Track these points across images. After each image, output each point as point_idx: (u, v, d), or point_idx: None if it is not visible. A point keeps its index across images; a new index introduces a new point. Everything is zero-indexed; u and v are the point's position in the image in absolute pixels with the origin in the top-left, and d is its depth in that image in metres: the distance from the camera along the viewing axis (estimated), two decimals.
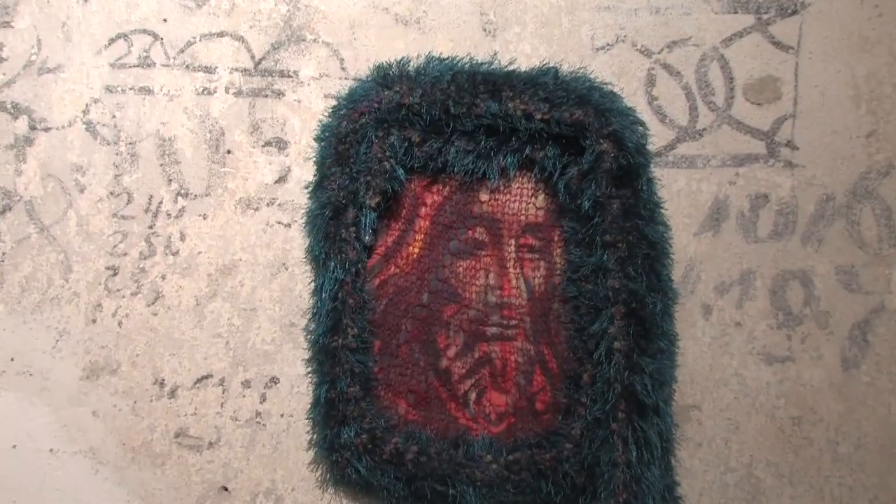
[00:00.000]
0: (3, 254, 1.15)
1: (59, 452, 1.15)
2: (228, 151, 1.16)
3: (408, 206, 1.17)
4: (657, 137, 1.15)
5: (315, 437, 1.12)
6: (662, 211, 1.11)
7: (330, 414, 1.11)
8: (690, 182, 1.15)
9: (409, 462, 1.10)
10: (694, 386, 1.13)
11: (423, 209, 1.17)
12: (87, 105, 1.16)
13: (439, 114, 1.13)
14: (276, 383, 1.15)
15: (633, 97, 1.15)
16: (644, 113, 1.14)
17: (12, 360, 1.15)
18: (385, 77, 1.14)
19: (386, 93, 1.14)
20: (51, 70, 1.16)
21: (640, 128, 1.12)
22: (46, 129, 1.16)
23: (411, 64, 1.14)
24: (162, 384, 1.14)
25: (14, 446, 1.14)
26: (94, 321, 1.15)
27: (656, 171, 1.14)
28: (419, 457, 1.10)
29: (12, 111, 1.16)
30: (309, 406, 1.13)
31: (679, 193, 1.15)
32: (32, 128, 1.16)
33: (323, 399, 1.11)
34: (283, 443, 1.14)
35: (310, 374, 1.14)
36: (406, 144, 1.14)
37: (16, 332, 1.15)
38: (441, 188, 1.17)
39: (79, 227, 1.15)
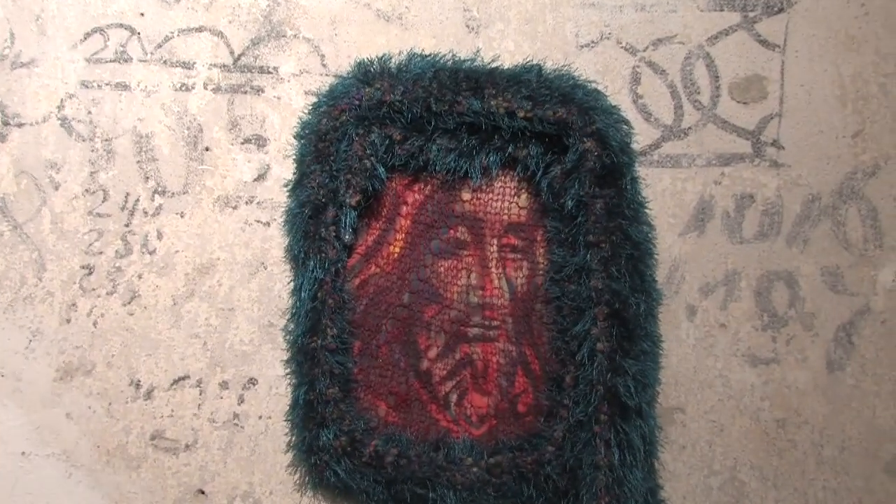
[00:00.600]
0: None
1: (31, 455, 1.12)
2: (207, 148, 1.14)
3: (389, 205, 1.15)
4: (642, 136, 1.14)
5: (294, 439, 1.10)
6: (647, 211, 1.10)
7: (309, 416, 1.09)
8: (675, 181, 1.14)
9: (389, 465, 1.08)
10: (678, 388, 1.12)
11: (405, 208, 1.15)
12: (61, 100, 1.14)
13: (421, 111, 1.11)
14: (254, 384, 1.13)
15: (618, 95, 1.14)
16: (629, 111, 1.13)
17: None
18: (366, 74, 1.13)
19: (367, 90, 1.12)
20: (24, 64, 1.14)
21: (625, 126, 1.10)
22: (20, 125, 1.14)
23: (393, 61, 1.13)
24: (138, 385, 1.12)
25: None
26: (68, 321, 1.13)
27: (641, 171, 1.12)
28: (399, 459, 1.09)
29: None
30: (287, 408, 1.11)
31: (664, 193, 1.14)
32: (5, 123, 1.13)
33: (302, 401, 1.10)
34: (261, 445, 1.12)
35: (288, 376, 1.12)
36: (387, 142, 1.13)
37: None
38: (422, 187, 1.15)
39: (53, 225, 1.13)
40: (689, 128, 1.14)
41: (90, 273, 1.13)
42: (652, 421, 1.08)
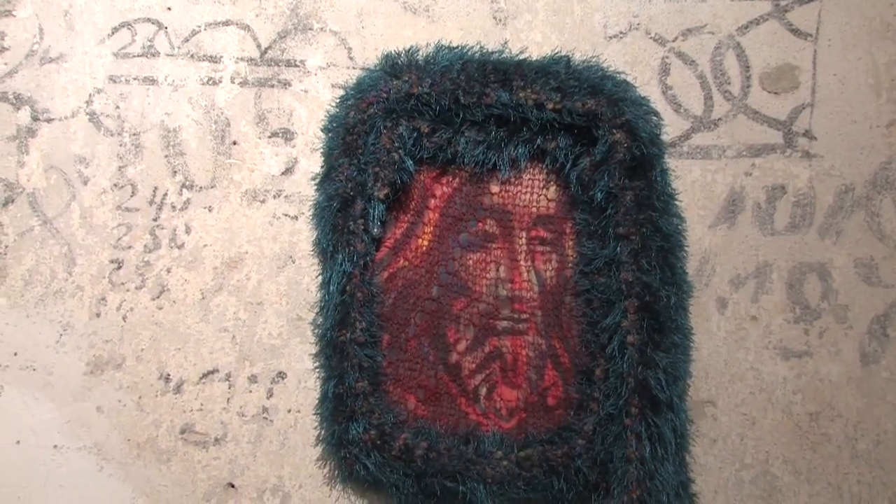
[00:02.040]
0: (6, 247, 1.13)
1: (63, 448, 1.13)
2: (234, 142, 1.14)
3: (417, 198, 1.14)
4: (671, 127, 1.13)
5: (323, 433, 1.10)
6: (677, 203, 1.09)
7: (338, 409, 1.09)
8: (705, 173, 1.13)
9: (419, 458, 1.08)
10: (709, 381, 1.11)
11: (433, 201, 1.14)
12: (90, 95, 1.14)
13: (449, 104, 1.10)
14: (283, 378, 1.13)
15: (647, 86, 1.13)
16: (658, 102, 1.12)
17: (16, 354, 1.13)
18: (394, 66, 1.12)
19: (395, 82, 1.12)
20: (53, 60, 1.14)
21: (654, 118, 1.09)
22: (49, 120, 1.14)
23: (420, 53, 1.12)
24: (167, 379, 1.13)
25: (18, 442, 1.13)
26: (98, 315, 1.13)
27: (670, 162, 1.11)
28: (429, 453, 1.08)
29: (14, 102, 1.14)
30: (317, 401, 1.11)
31: (694, 185, 1.13)
32: (35, 118, 1.14)
33: (331, 394, 1.09)
34: (290, 439, 1.12)
35: (317, 369, 1.12)
36: (415, 135, 1.12)
37: (19, 326, 1.13)
38: (451, 179, 1.15)
39: (82, 220, 1.13)
40: (720, 119, 1.13)
41: (119, 267, 1.13)
42: (683, 414, 1.07)
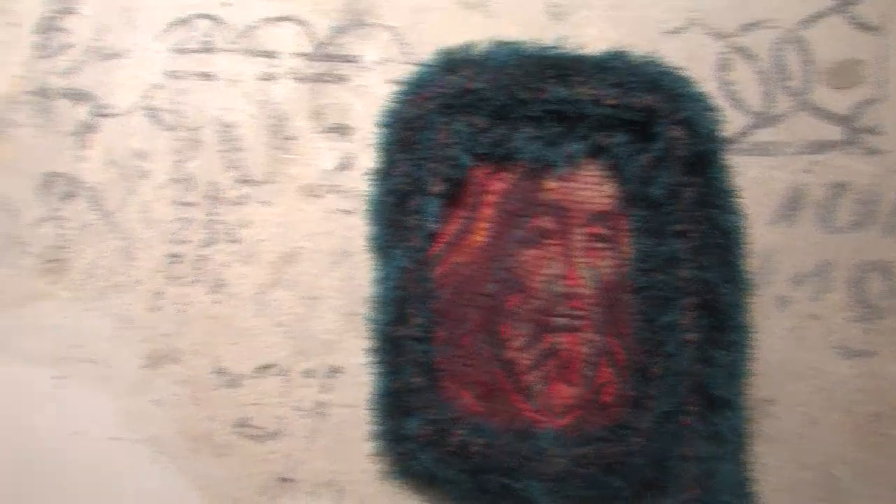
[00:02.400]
0: (68, 240, 1.14)
1: (120, 440, 1.14)
2: (290, 138, 1.15)
3: (472, 194, 1.14)
4: (731, 124, 1.11)
5: (378, 428, 1.10)
6: (736, 200, 1.07)
7: (394, 405, 1.09)
8: (766, 170, 1.11)
9: (475, 454, 1.08)
10: (768, 379, 1.10)
11: (488, 196, 1.14)
12: (148, 91, 1.15)
13: (505, 99, 1.10)
14: (338, 373, 1.13)
15: (706, 82, 1.12)
16: (717, 98, 1.11)
17: (74, 346, 1.14)
18: (450, 62, 1.12)
19: (451, 78, 1.11)
20: (113, 56, 1.15)
21: (714, 114, 1.08)
22: (109, 116, 1.15)
23: (477, 48, 1.12)
24: (223, 373, 1.13)
25: (75, 433, 1.14)
26: (155, 309, 1.14)
27: (730, 159, 1.10)
28: (485, 449, 1.08)
29: (75, 97, 1.15)
30: (372, 397, 1.11)
31: (754, 181, 1.11)
32: (95, 114, 1.15)
33: (386, 390, 1.09)
34: (345, 433, 1.12)
35: (373, 364, 1.11)
36: (471, 130, 1.12)
37: (78, 318, 1.14)
38: (507, 175, 1.14)
39: (141, 214, 1.14)
40: (781, 115, 1.11)
41: (177, 262, 1.14)
42: (742, 413, 1.06)
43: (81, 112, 1.15)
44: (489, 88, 1.10)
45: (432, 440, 1.08)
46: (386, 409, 1.10)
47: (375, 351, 1.11)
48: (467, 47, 1.12)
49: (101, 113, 1.15)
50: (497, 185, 1.14)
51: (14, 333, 1.14)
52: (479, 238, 1.14)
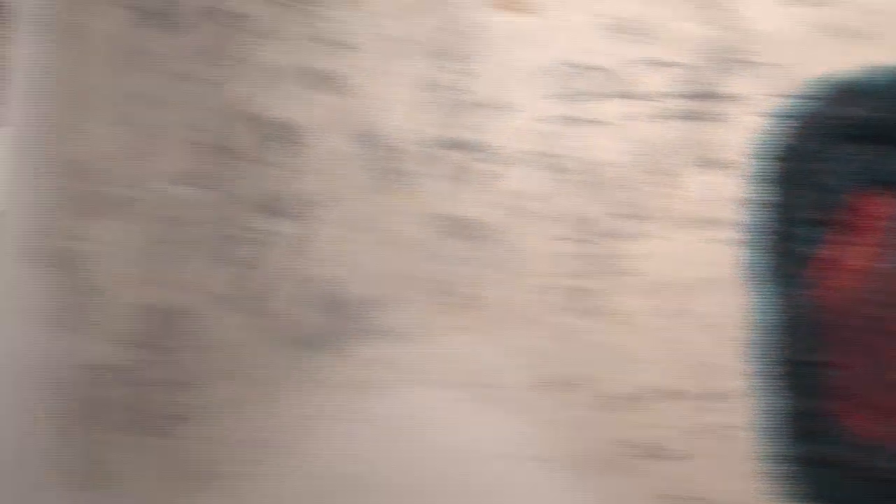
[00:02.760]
0: (471, 278, 1.25)
1: (515, 459, 1.23)
2: (672, 174, 1.21)
3: (857, 220, 1.16)
4: None
5: (778, 451, 1.13)
6: None
7: (795, 429, 1.12)
8: None
9: (888, 481, 1.08)
10: None
11: (875, 221, 1.15)
12: (534, 137, 1.25)
13: (892, 124, 1.12)
14: (727, 398, 1.17)
15: None
16: None
17: (473, 372, 1.25)
18: (832, 92, 1.15)
19: (832, 107, 1.14)
20: (499, 107, 1.26)
21: None
22: (493, 161, 1.26)
23: (859, 77, 1.14)
24: (617, 397, 1.20)
25: (492, 455, 1.23)
26: (552, 338, 1.23)
27: None
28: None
29: (462, 147, 1.27)
30: (766, 421, 1.14)
31: None
32: (479, 160, 1.26)
33: (785, 414, 1.12)
34: (735, 456, 1.16)
35: (767, 389, 1.15)
36: (856, 157, 1.14)
37: (478, 349, 1.25)
38: (893, 200, 1.15)
39: (531, 250, 1.24)
40: None
41: (568, 294, 1.22)
42: None
43: (476, 158, 1.26)
44: (875, 116, 1.12)
45: (841, 466, 1.10)
46: (788, 433, 1.12)
47: (767, 376, 1.15)
48: (847, 76, 1.14)
49: (487, 159, 1.26)
50: (884, 211, 1.15)
51: (428, 362, 1.26)
52: (866, 263, 1.15)
